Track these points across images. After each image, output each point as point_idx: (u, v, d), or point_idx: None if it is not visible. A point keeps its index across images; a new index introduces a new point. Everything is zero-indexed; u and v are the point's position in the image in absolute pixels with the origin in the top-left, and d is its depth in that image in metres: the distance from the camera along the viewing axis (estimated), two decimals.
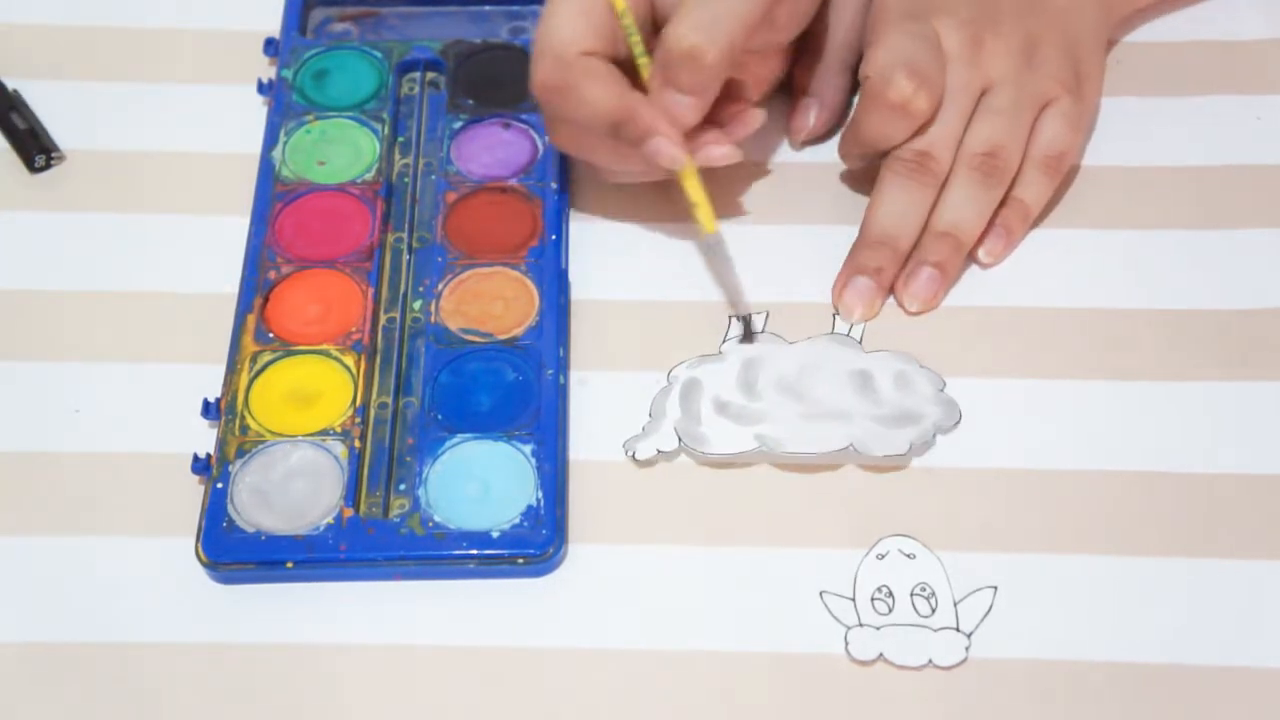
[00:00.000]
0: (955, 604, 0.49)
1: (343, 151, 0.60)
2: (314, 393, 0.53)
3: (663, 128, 0.52)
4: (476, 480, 0.51)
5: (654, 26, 0.54)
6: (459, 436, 0.52)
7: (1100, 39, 0.60)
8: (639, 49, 0.53)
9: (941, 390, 0.53)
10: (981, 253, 0.57)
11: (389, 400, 0.53)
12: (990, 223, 0.56)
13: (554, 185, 0.58)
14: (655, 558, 0.50)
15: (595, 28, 0.53)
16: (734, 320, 0.55)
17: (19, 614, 0.49)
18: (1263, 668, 0.47)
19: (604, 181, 0.58)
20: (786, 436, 0.51)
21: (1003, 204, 0.56)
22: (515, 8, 0.65)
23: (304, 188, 0.58)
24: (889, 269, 0.55)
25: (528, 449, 0.51)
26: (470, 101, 0.61)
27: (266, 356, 0.53)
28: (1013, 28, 0.57)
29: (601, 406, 0.53)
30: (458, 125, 0.60)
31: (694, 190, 0.54)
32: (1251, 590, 0.49)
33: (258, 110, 0.62)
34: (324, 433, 0.52)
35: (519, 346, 0.54)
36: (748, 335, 0.54)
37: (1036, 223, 0.58)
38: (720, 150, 0.54)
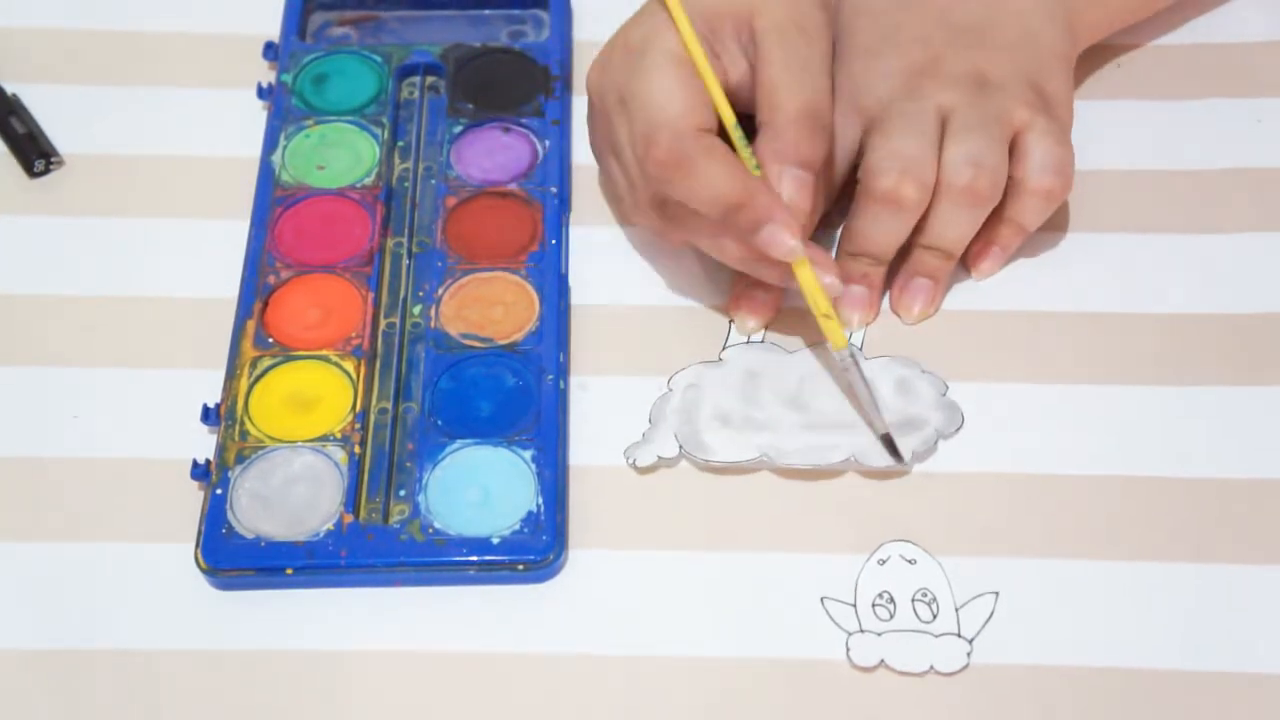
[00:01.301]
0: (957, 609, 0.48)
1: (342, 156, 0.60)
2: (314, 398, 0.53)
3: (780, 214, 0.50)
4: (477, 486, 0.51)
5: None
6: (459, 442, 0.51)
7: (1063, 64, 0.58)
8: (738, 134, 0.51)
9: (944, 395, 0.53)
10: (975, 274, 0.56)
11: (389, 405, 0.53)
12: (985, 240, 0.56)
13: (554, 190, 0.58)
14: (656, 563, 0.50)
15: (703, 102, 0.51)
16: (732, 326, 0.55)
17: (18, 620, 0.49)
18: (1265, 673, 0.47)
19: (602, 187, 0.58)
20: (788, 447, 0.51)
21: (998, 222, 0.55)
22: (515, 12, 0.65)
23: (303, 192, 0.58)
24: (875, 272, 0.55)
25: (528, 454, 0.51)
26: (470, 106, 0.61)
27: (266, 362, 0.53)
28: (954, 64, 0.56)
29: (601, 412, 0.53)
30: (458, 129, 0.60)
31: (814, 294, 0.51)
32: (1253, 595, 0.49)
33: (257, 115, 0.62)
34: (324, 438, 0.52)
35: (519, 351, 0.54)
36: (894, 454, 0.51)
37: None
38: (829, 279, 0.51)
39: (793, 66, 0.51)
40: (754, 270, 0.53)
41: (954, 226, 0.54)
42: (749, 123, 0.52)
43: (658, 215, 0.53)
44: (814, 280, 0.51)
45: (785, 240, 0.50)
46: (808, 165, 0.51)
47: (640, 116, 0.51)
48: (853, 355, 0.52)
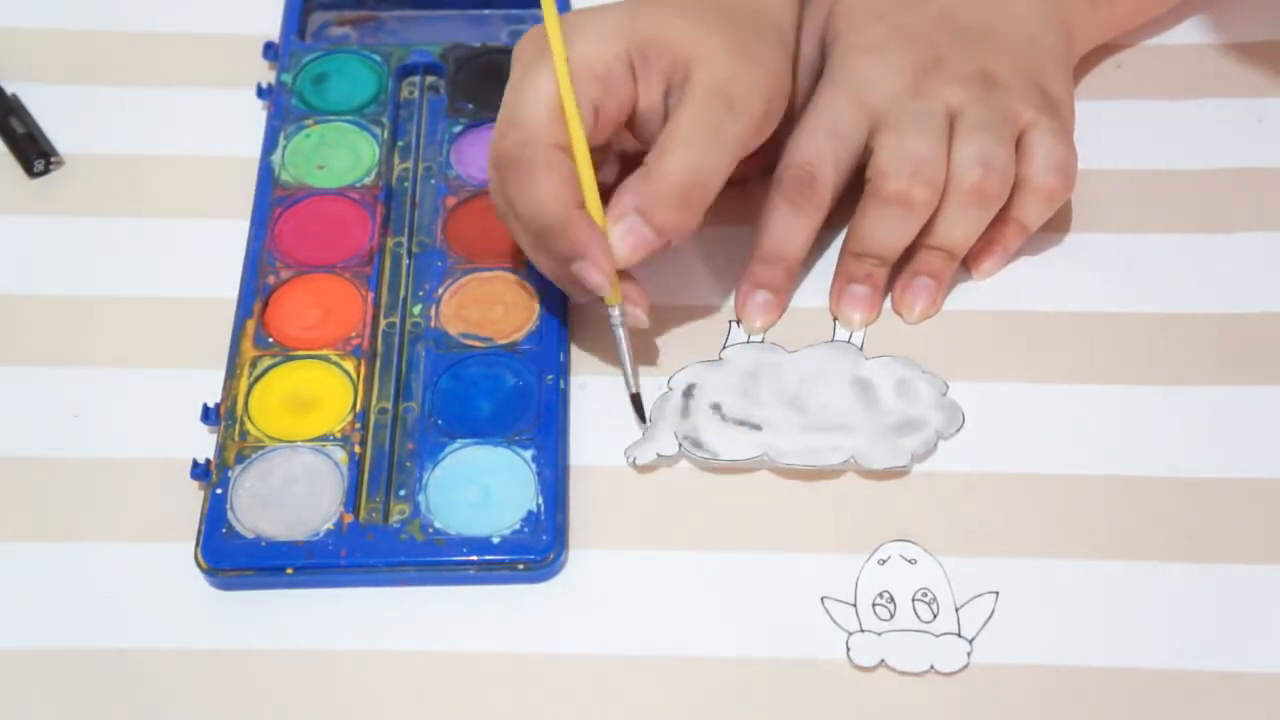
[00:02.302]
0: (957, 609, 0.48)
1: (342, 156, 0.60)
2: (313, 398, 0.53)
3: (595, 253, 0.49)
4: (477, 485, 0.51)
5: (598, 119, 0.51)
6: (459, 442, 0.51)
7: (1064, 68, 0.58)
8: (586, 166, 0.50)
9: (944, 395, 0.53)
10: (976, 274, 0.56)
11: (389, 405, 0.53)
12: (987, 239, 0.56)
13: None
14: (656, 563, 0.50)
15: (563, 120, 0.50)
16: (732, 325, 0.55)
17: (19, 620, 0.49)
18: (1264, 672, 0.47)
19: None
20: (787, 448, 0.51)
21: (1001, 221, 0.56)
22: (514, 11, 0.65)
23: (303, 192, 0.58)
24: (878, 273, 0.55)
25: (528, 454, 0.51)
26: (470, 105, 0.61)
27: (266, 361, 0.53)
28: (960, 63, 0.56)
29: (602, 411, 0.53)
30: (457, 129, 0.60)
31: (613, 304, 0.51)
32: (1253, 595, 0.49)
33: (257, 114, 0.62)
34: (324, 438, 0.52)
35: (519, 351, 0.54)
36: (640, 415, 0.53)
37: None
38: (637, 311, 0.52)
39: (701, 132, 0.50)
40: (564, 287, 0.53)
41: (960, 226, 0.54)
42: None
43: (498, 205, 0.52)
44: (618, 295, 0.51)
45: (593, 278, 0.50)
46: (658, 229, 0.50)
47: (505, 111, 0.51)
48: (620, 313, 0.52)
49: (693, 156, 0.50)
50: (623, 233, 0.50)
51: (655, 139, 0.51)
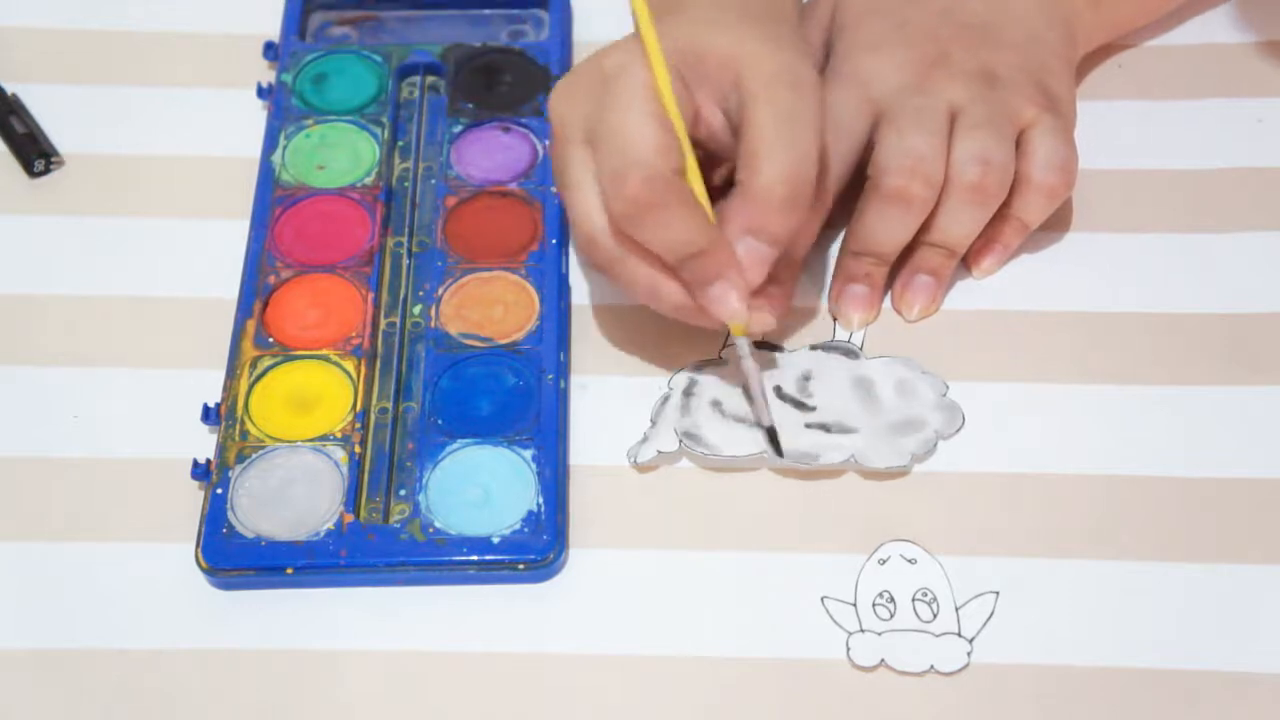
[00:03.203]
0: (957, 609, 0.48)
1: (342, 156, 0.60)
2: (314, 398, 0.53)
3: (734, 274, 0.49)
4: (477, 485, 0.51)
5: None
6: (459, 442, 0.51)
7: (1066, 67, 0.58)
8: (699, 185, 0.49)
9: (944, 396, 0.53)
10: (975, 271, 0.56)
11: (389, 405, 0.53)
12: (986, 237, 0.56)
13: (554, 189, 0.58)
14: (656, 563, 0.50)
15: (676, 143, 0.48)
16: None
17: (19, 620, 0.49)
18: (1265, 672, 0.47)
19: None
20: (788, 445, 0.51)
21: (1001, 219, 0.56)
22: (515, 11, 0.65)
23: (303, 192, 0.58)
24: (877, 272, 0.55)
25: (528, 454, 0.51)
26: (470, 105, 0.61)
27: (266, 361, 0.53)
28: (963, 60, 0.56)
29: (602, 411, 0.53)
30: (458, 129, 0.60)
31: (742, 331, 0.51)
32: (1254, 595, 0.49)
33: (257, 114, 0.62)
34: (324, 438, 0.52)
35: (519, 351, 0.54)
36: (775, 448, 0.51)
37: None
38: (766, 319, 0.51)
39: (780, 127, 0.48)
40: (685, 318, 0.51)
41: (960, 224, 0.55)
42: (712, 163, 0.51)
43: (610, 252, 0.50)
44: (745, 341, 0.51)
45: (732, 303, 0.49)
46: (773, 240, 0.49)
47: (613, 151, 0.48)
48: (750, 347, 0.51)
49: (782, 155, 0.48)
50: (742, 256, 0.49)
51: (723, 146, 0.50)
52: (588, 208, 0.50)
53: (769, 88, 0.49)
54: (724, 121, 0.51)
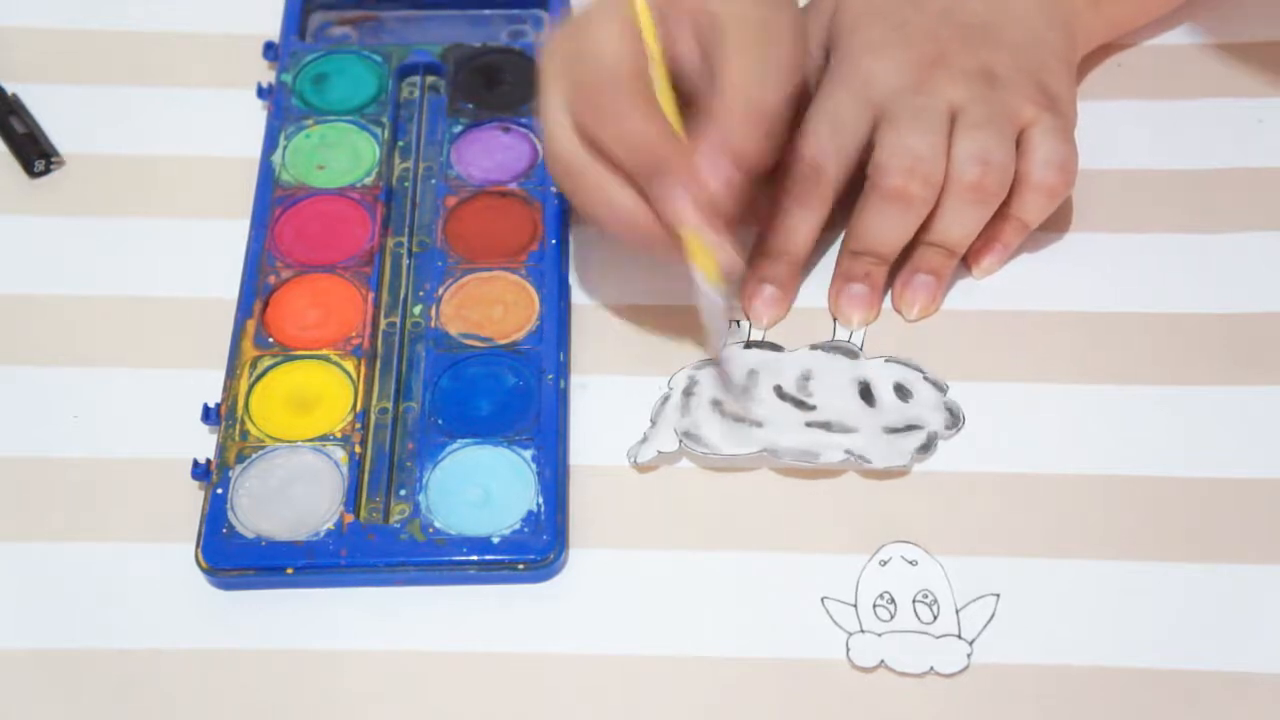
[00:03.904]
0: (957, 611, 0.48)
1: (342, 156, 0.60)
2: (314, 398, 0.53)
3: (693, 184, 0.49)
4: (477, 485, 0.51)
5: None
6: (459, 442, 0.51)
7: (1066, 66, 0.58)
8: (669, 101, 0.50)
9: (944, 396, 0.53)
10: (975, 271, 0.57)
11: (389, 405, 0.53)
12: (986, 237, 0.56)
13: (554, 189, 0.58)
14: (656, 563, 0.50)
15: (641, 51, 0.50)
16: (733, 324, 0.55)
17: (19, 620, 0.49)
18: (1264, 672, 0.47)
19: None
20: (788, 444, 0.51)
21: (1001, 219, 0.56)
22: (515, 11, 0.65)
23: (304, 192, 0.58)
24: (877, 271, 0.55)
25: (528, 454, 0.51)
26: (470, 105, 0.61)
27: (266, 361, 0.53)
28: (963, 60, 0.56)
29: (602, 411, 0.53)
30: (458, 129, 0.60)
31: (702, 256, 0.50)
32: (1254, 595, 0.49)
33: (257, 114, 0.62)
34: (324, 438, 0.52)
35: (519, 351, 0.54)
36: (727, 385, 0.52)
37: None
38: (727, 255, 0.50)
39: (752, 62, 0.49)
40: (642, 242, 0.51)
41: (960, 224, 0.55)
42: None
43: (573, 162, 0.51)
44: (703, 250, 0.50)
45: (687, 208, 0.49)
46: (736, 158, 0.49)
47: (581, 57, 0.50)
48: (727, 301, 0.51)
49: (749, 81, 0.49)
50: (706, 170, 0.49)
51: (697, 88, 0.51)
52: (556, 119, 0.51)
53: (742, 27, 0.50)
54: (700, 66, 0.51)
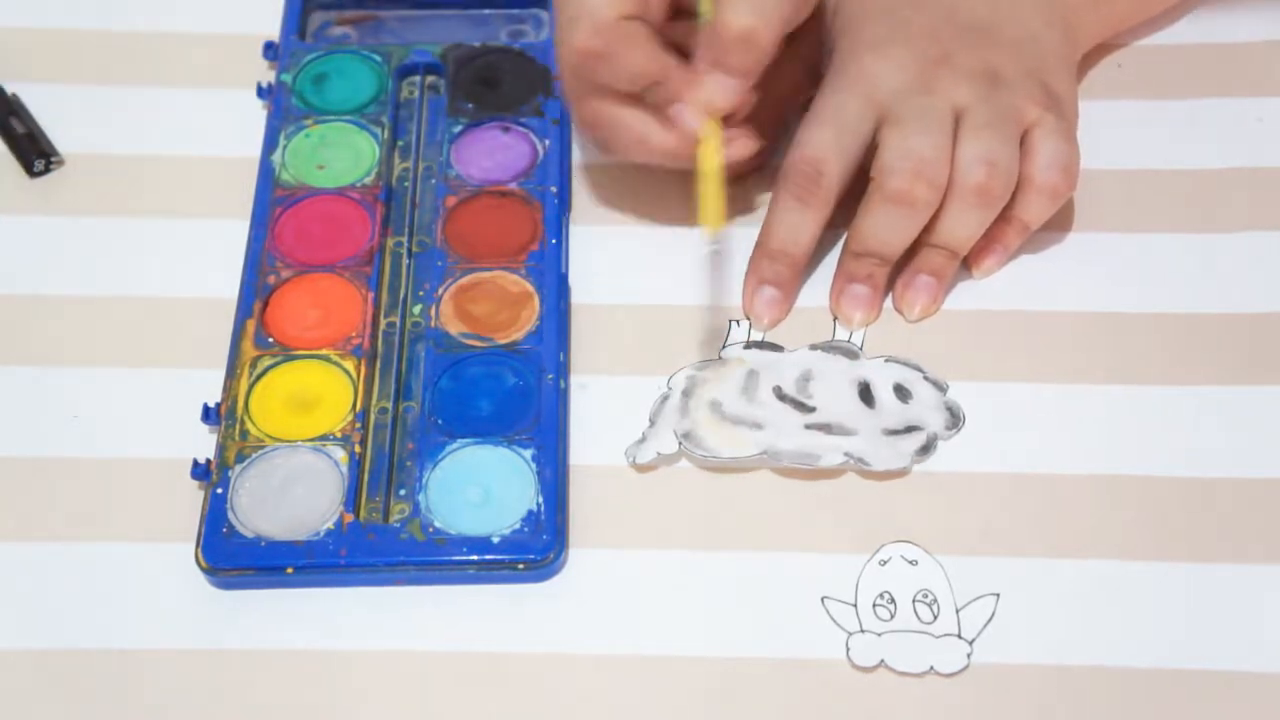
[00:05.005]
0: (957, 611, 0.48)
1: (342, 155, 0.60)
2: (314, 398, 0.53)
3: (695, 94, 0.52)
4: (477, 485, 0.51)
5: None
6: (459, 441, 0.51)
7: (1067, 66, 0.59)
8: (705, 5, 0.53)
9: (944, 396, 0.53)
10: (976, 272, 0.56)
11: (389, 405, 0.53)
12: (988, 238, 0.56)
13: (554, 189, 0.58)
14: (656, 563, 0.50)
15: None
16: (732, 325, 0.55)
17: (18, 620, 0.49)
18: (1266, 673, 0.47)
19: (606, 183, 0.58)
20: (788, 446, 0.51)
21: (1003, 220, 0.55)
22: (514, 11, 0.65)
23: (303, 192, 0.58)
24: (880, 272, 0.55)
25: (528, 454, 0.51)
26: (470, 105, 0.61)
27: (266, 361, 0.53)
28: (967, 60, 0.56)
29: (602, 411, 0.53)
30: (457, 129, 0.60)
31: (711, 181, 0.52)
32: (1255, 595, 0.49)
33: (257, 114, 0.62)
34: (324, 438, 0.52)
35: (519, 351, 0.54)
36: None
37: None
38: (746, 143, 0.53)
39: None
40: (653, 154, 0.54)
41: (964, 226, 0.55)
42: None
43: (584, 95, 0.54)
44: (713, 158, 0.52)
45: (691, 118, 0.52)
46: (733, 72, 0.52)
47: (562, 13, 0.52)
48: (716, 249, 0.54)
49: (742, 7, 0.51)
50: (705, 82, 0.52)
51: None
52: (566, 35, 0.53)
53: None
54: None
